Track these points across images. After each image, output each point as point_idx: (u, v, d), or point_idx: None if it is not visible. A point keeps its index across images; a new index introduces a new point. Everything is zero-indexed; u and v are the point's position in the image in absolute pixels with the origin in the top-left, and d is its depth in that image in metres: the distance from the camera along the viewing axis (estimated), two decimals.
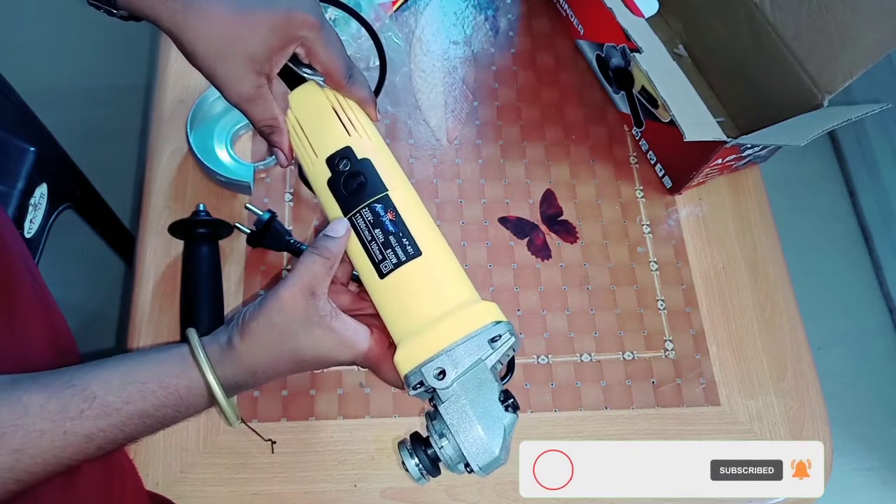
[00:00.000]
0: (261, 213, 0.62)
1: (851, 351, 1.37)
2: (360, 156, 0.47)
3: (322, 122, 0.49)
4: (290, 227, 0.66)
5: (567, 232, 0.69)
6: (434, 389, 0.42)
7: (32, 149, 0.73)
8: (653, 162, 0.72)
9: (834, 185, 1.53)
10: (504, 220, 0.69)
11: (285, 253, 0.65)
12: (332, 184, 0.48)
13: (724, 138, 0.63)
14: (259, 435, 0.57)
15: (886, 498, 1.29)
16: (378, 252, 0.45)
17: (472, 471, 0.42)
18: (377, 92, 0.69)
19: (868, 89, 1.37)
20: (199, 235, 0.62)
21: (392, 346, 0.45)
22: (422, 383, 0.43)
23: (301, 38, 0.46)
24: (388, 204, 0.46)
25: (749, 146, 0.64)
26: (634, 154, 0.74)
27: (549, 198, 0.71)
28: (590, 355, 0.64)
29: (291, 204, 0.68)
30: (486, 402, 0.42)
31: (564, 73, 0.77)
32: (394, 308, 0.45)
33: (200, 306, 0.60)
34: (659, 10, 0.70)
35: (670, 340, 0.65)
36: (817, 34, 0.62)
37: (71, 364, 0.41)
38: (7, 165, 0.71)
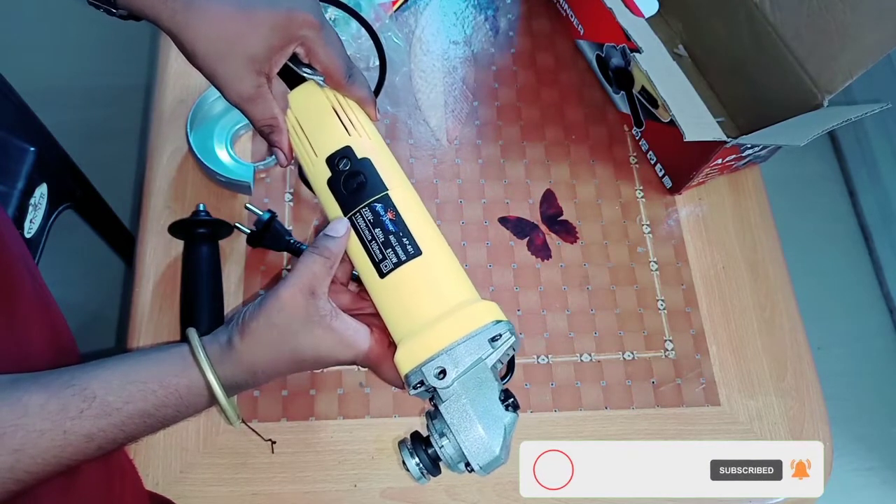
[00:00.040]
0: (261, 213, 0.62)
1: (851, 351, 1.37)
2: (359, 155, 0.47)
3: (322, 122, 0.49)
4: (290, 227, 0.66)
5: (567, 232, 0.69)
6: (434, 389, 0.42)
7: (32, 149, 0.73)
8: (653, 162, 0.72)
9: (834, 185, 1.53)
10: (504, 220, 0.69)
11: (285, 253, 0.65)
12: (331, 183, 0.48)
13: (724, 138, 0.63)
14: (259, 435, 0.57)
15: (886, 498, 1.29)
16: (378, 252, 0.45)
17: (472, 470, 0.42)
18: (377, 92, 0.69)
19: (868, 89, 1.37)
20: (199, 235, 0.62)
21: (392, 346, 0.45)
22: (422, 383, 0.43)
23: (301, 38, 0.46)
24: (388, 203, 0.46)
25: (749, 146, 0.64)
26: (634, 154, 0.74)
27: (549, 198, 0.71)
28: (590, 355, 0.64)
29: (291, 204, 0.68)
30: (487, 402, 0.42)
31: (564, 73, 0.77)
32: (394, 307, 0.45)
33: (200, 306, 0.60)
34: (659, 10, 0.70)
35: (670, 340, 0.65)
36: (817, 34, 0.62)
37: (71, 364, 0.41)
38: (7, 165, 0.71)
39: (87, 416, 0.38)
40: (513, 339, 0.43)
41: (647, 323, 0.66)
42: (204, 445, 0.58)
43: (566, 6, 0.77)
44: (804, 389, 0.64)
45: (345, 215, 0.47)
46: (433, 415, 0.44)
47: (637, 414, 0.62)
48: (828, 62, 0.62)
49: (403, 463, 0.44)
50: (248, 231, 0.62)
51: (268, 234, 0.62)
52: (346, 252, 0.46)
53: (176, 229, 0.62)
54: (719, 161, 0.65)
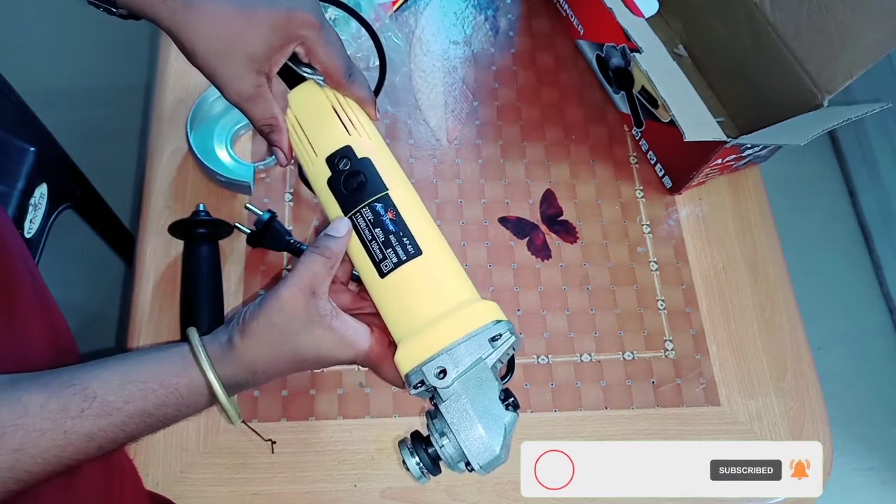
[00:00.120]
0: (261, 213, 0.62)
1: (851, 351, 1.37)
2: (360, 155, 0.47)
3: (322, 122, 0.49)
4: (290, 227, 0.66)
5: (567, 232, 0.69)
6: (435, 388, 0.42)
7: (32, 149, 0.73)
8: (653, 162, 0.72)
9: (834, 185, 1.53)
10: (504, 220, 0.69)
11: (285, 253, 0.65)
12: (332, 183, 0.48)
13: (724, 138, 0.63)
14: (259, 435, 0.57)
15: (886, 498, 1.29)
16: (378, 251, 0.45)
17: (472, 469, 0.42)
18: (377, 92, 0.69)
19: (868, 89, 1.37)
20: (199, 235, 0.62)
21: (392, 346, 0.45)
22: (422, 382, 0.43)
23: (301, 38, 0.46)
24: (389, 203, 0.46)
25: (749, 146, 0.64)
26: (634, 154, 0.74)
27: (549, 198, 0.71)
28: (590, 355, 0.64)
29: (291, 204, 0.68)
30: (487, 401, 0.42)
31: (564, 73, 0.77)
32: (394, 307, 0.45)
33: (200, 306, 0.60)
34: (659, 10, 0.70)
35: (670, 340, 0.65)
36: (817, 34, 0.62)
37: (71, 364, 0.41)
38: (7, 165, 0.71)
39: (88, 416, 0.38)
40: (513, 338, 0.43)
41: (647, 323, 0.66)
42: (204, 445, 0.58)
43: (566, 6, 0.77)
44: (804, 389, 0.64)
45: (345, 215, 0.47)
46: (433, 414, 0.44)
47: (637, 414, 0.62)
48: (828, 62, 0.62)
49: (403, 462, 0.44)
50: (248, 231, 0.62)
51: (268, 234, 0.62)
52: (346, 252, 0.46)
53: (176, 229, 0.62)
54: (719, 161, 0.65)
